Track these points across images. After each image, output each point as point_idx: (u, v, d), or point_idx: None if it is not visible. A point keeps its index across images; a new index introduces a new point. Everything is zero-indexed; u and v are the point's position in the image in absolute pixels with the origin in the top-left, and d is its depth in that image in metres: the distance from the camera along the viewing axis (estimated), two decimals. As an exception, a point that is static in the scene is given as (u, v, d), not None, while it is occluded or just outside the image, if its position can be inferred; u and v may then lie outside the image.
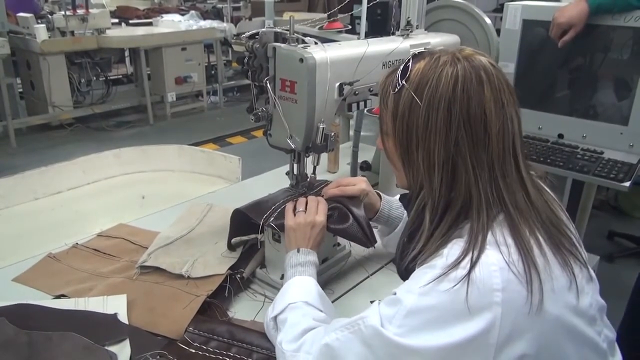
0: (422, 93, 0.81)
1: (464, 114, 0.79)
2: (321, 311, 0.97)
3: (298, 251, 1.09)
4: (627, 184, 1.67)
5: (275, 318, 0.99)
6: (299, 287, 1.03)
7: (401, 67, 0.87)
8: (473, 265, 0.73)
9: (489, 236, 0.77)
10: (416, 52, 0.89)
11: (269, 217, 1.18)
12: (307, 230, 1.11)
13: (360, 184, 1.22)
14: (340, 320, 0.87)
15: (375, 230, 1.22)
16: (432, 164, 0.82)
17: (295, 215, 1.13)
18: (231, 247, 1.30)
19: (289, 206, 1.17)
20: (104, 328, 1.07)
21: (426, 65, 0.83)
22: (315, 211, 1.14)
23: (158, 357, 1.01)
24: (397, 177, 0.97)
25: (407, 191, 0.98)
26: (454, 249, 0.78)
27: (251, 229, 1.24)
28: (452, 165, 0.81)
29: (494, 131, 0.79)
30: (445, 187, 0.82)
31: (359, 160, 1.86)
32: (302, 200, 1.17)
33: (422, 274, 0.77)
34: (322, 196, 1.22)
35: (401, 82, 0.85)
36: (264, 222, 1.18)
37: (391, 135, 0.89)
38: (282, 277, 1.22)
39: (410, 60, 0.87)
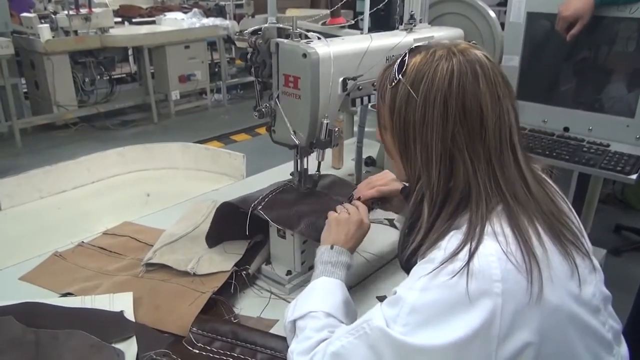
0: (418, 87, 0.82)
1: (460, 107, 0.79)
2: (342, 322, 0.94)
3: (331, 248, 1.06)
4: (634, 176, 1.66)
5: (294, 322, 0.96)
6: (324, 293, 0.99)
7: (398, 61, 0.88)
8: (471, 256, 0.73)
9: (487, 227, 0.77)
10: (412, 47, 0.89)
11: (257, 205, 1.19)
12: (351, 228, 1.08)
13: (393, 182, 1.21)
14: (345, 326, 0.86)
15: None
16: (430, 157, 0.82)
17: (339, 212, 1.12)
18: (211, 242, 1.31)
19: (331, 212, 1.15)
20: (111, 326, 1.07)
21: (422, 59, 0.84)
22: (359, 213, 1.12)
23: (162, 356, 1.01)
24: (395, 170, 0.97)
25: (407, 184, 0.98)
26: (451, 241, 0.77)
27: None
28: (449, 158, 0.81)
29: (490, 124, 0.80)
30: (444, 180, 0.82)
31: (364, 156, 1.85)
32: (345, 204, 1.16)
33: (422, 270, 0.77)
34: (353, 200, 1.21)
35: (397, 76, 0.85)
36: (252, 209, 1.18)
37: (389, 129, 0.89)
38: (289, 273, 1.22)
39: (407, 55, 0.87)
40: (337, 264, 1.04)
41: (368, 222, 1.11)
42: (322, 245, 1.08)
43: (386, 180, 1.23)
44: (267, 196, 1.22)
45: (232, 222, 1.26)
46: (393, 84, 0.86)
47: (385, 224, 1.48)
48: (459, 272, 0.72)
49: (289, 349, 0.93)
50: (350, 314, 0.98)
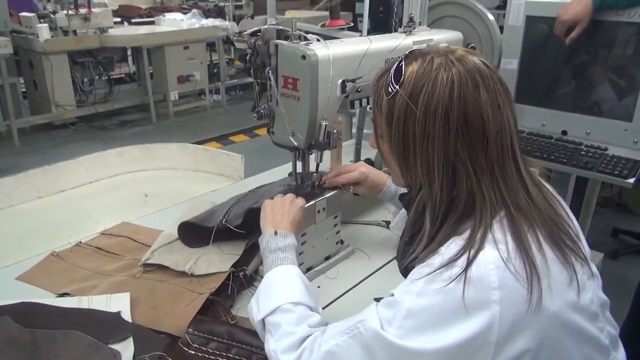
0: (417, 99, 0.80)
1: (462, 119, 0.78)
2: (311, 309, 0.94)
3: (275, 234, 1.05)
4: (632, 180, 1.67)
5: (263, 320, 0.94)
6: (285, 283, 0.98)
7: (393, 69, 0.85)
8: (470, 263, 0.73)
9: (488, 234, 0.77)
10: (407, 53, 0.87)
11: (222, 219, 1.23)
12: (285, 206, 1.10)
13: (360, 167, 1.23)
14: (338, 324, 0.85)
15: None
16: (431, 169, 0.81)
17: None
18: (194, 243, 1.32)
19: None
20: (108, 326, 1.07)
21: (420, 68, 0.81)
22: (295, 197, 1.16)
23: (158, 359, 1.00)
24: (393, 177, 0.96)
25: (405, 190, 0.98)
26: (451, 247, 0.77)
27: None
28: (452, 170, 0.80)
29: (492, 134, 0.79)
30: (446, 191, 0.81)
31: (362, 158, 1.85)
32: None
33: (419, 273, 0.77)
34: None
35: (395, 86, 0.83)
36: (221, 220, 1.23)
37: (386, 138, 0.88)
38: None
39: (403, 62, 0.84)
40: (286, 248, 1.04)
41: (301, 200, 1.14)
42: (264, 232, 1.08)
43: (354, 167, 1.26)
44: (229, 209, 1.28)
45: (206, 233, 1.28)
46: (390, 93, 0.83)
47: (383, 226, 1.48)
48: (456, 278, 0.72)
49: (270, 348, 0.90)
50: (314, 295, 0.99)
